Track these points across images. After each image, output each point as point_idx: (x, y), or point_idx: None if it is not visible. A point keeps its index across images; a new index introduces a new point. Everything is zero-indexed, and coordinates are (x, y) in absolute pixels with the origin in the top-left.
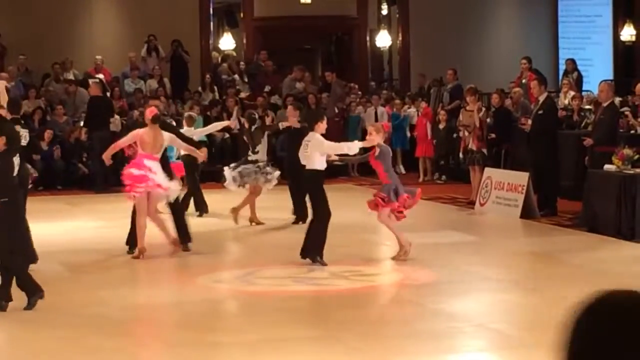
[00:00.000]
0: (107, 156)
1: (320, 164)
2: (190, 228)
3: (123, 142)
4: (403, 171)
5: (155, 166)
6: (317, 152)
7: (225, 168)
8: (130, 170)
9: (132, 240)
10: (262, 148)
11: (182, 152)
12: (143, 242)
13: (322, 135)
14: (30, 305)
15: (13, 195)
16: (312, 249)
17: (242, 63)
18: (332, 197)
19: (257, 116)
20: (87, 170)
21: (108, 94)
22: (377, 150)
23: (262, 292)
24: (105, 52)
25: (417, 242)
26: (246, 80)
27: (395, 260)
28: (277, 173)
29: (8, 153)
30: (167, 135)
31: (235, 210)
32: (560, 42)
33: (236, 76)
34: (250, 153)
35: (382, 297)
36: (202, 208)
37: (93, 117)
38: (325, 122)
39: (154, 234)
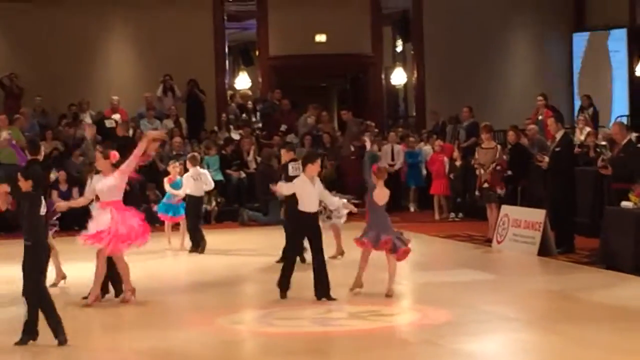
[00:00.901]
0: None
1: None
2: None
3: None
4: (413, 209)
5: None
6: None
7: None
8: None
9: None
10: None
11: (188, 191)
12: (130, 284)
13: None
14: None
15: (38, 237)
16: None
17: (249, 102)
18: (345, 235)
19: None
20: None
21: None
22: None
23: (281, 334)
24: (122, 92)
25: (435, 281)
26: (254, 119)
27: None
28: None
29: (35, 195)
30: (116, 172)
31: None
32: (575, 78)
33: (244, 115)
34: None
35: (401, 338)
36: (199, 245)
37: (123, 157)
38: (317, 164)
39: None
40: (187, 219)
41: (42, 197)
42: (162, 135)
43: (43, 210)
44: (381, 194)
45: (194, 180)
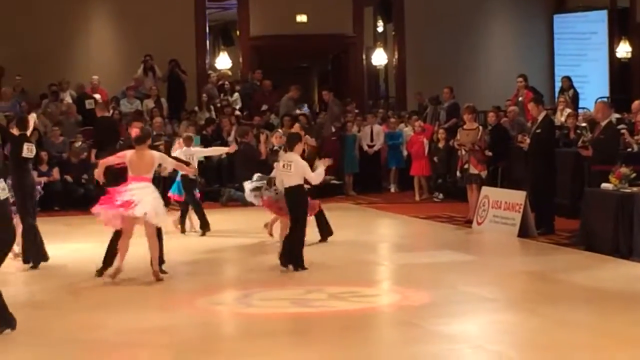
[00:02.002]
0: (99, 175)
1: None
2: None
3: (110, 160)
4: (394, 190)
5: (141, 187)
6: (300, 174)
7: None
8: (109, 194)
9: (106, 260)
10: None
11: (181, 172)
12: (121, 263)
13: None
14: None
15: None
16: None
17: (226, 83)
18: (329, 217)
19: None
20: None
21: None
22: None
23: (261, 315)
24: (102, 72)
25: (415, 262)
26: (231, 99)
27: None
28: None
29: None
30: (157, 155)
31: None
32: (556, 59)
33: (222, 95)
34: None
35: (381, 319)
36: (204, 227)
37: (102, 138)
38: (302, 144)
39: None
40: (187, 199)
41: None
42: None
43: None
44: None
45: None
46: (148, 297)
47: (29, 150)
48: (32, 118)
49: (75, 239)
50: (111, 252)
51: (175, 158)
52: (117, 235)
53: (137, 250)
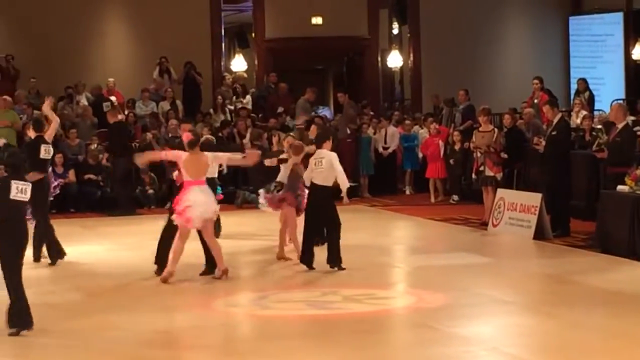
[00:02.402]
0: (145, 160)
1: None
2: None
3: (163, 155)
4: (409, 192)
5: (200, 190)
6: (330, 169)
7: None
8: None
9: (161, 260)
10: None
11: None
12: (174, 266)
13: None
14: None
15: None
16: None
17: (238, 85)
18: (344, 219)
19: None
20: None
21: (121, 117)
22: None
23: (277, 317)
24: (118, 74)
25: (430, 264)
26: (244, 101)
27: None
28: None
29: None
30: (210, 156)
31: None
32: (571, 61)
33: (234, 97)
34: None
35: (397, 321)
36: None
37: (115, 143)
38: (331, 141)
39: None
40: None
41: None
42: None
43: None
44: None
45: None
46: (162, 300)
47: (46, 152)
48: (49, 103)
49: (89, 241)
50: (164, 253)
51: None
52: (167, 234)
53: (149, 251)
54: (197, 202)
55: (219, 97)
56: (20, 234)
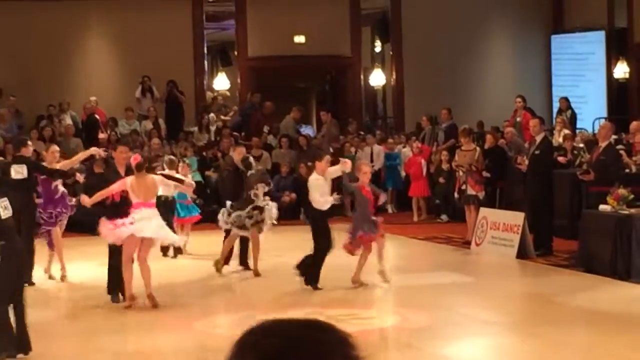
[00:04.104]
0: (91, 202)
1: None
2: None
3: (112, 189)
4: (392, 211)
5: (147, 213)
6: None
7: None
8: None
9: (114, 287)
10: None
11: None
12: (131, 290)
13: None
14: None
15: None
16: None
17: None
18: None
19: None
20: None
21: (102, 135)
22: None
23: None
24: (100, 93)
25: (414, 283)
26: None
27: None
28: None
29: None
30: (158, 179)
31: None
32: (553, 80)
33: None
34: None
35: (382, 342)
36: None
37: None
38: (324, 161)
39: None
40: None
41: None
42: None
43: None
44: None
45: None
46: (142, 321)
47: (17, 172)
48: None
49: (69, 261)
50: (117, 278)
51: (171, 177)
52: (115, 261)
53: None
54: (138, 219)
55: (211, 115)
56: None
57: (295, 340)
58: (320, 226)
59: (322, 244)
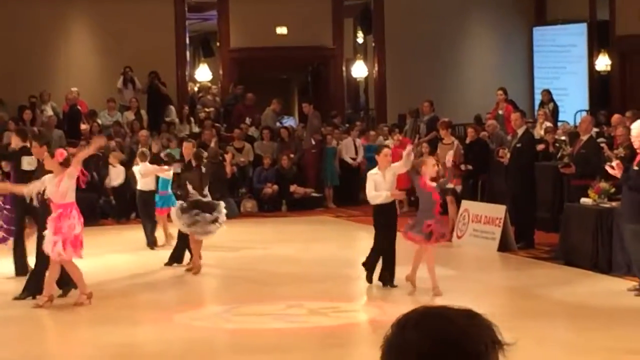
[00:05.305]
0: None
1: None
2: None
3: (28, 190)
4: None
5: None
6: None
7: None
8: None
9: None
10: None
11: (138, 187)
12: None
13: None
14: None
15: None
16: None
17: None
18: (309, 230)
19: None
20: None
21: (84, 126)
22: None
23: (241, 330)
24: (82, 84)
25: (396, 277)
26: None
27: None
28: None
29: None
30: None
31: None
32: (535, 72)
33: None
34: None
35: (362, 335)
36: (151, 241)
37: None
38: (382, 155)
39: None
40: (141, 213)
41: None
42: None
43: None
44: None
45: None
46: (123, 314)
47: (29, 164)
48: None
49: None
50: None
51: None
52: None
53: (115, 267)
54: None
55: (186, 107)
56: None
57: (452, 321)
58: (378, 222)
59: (378, 243)
